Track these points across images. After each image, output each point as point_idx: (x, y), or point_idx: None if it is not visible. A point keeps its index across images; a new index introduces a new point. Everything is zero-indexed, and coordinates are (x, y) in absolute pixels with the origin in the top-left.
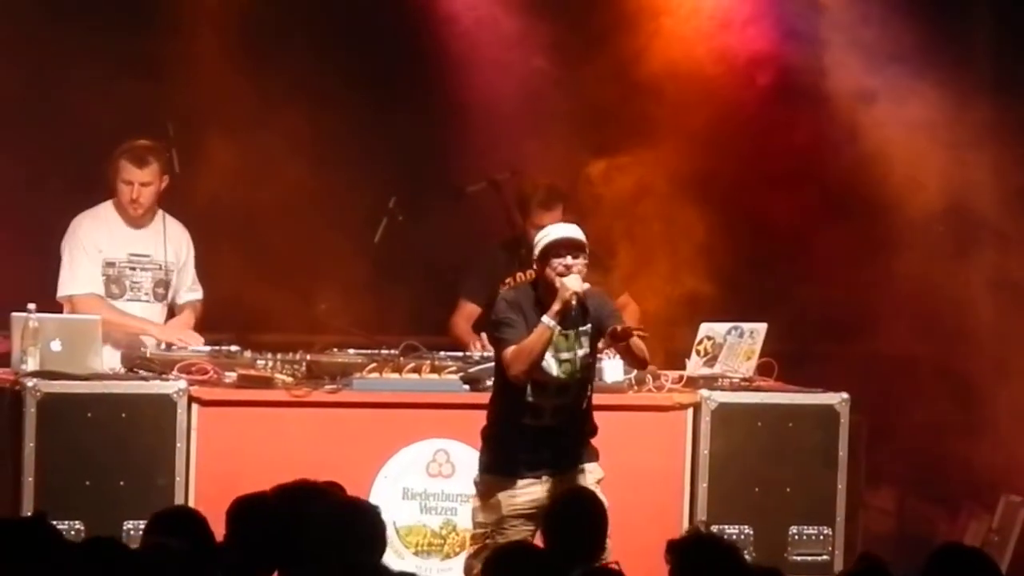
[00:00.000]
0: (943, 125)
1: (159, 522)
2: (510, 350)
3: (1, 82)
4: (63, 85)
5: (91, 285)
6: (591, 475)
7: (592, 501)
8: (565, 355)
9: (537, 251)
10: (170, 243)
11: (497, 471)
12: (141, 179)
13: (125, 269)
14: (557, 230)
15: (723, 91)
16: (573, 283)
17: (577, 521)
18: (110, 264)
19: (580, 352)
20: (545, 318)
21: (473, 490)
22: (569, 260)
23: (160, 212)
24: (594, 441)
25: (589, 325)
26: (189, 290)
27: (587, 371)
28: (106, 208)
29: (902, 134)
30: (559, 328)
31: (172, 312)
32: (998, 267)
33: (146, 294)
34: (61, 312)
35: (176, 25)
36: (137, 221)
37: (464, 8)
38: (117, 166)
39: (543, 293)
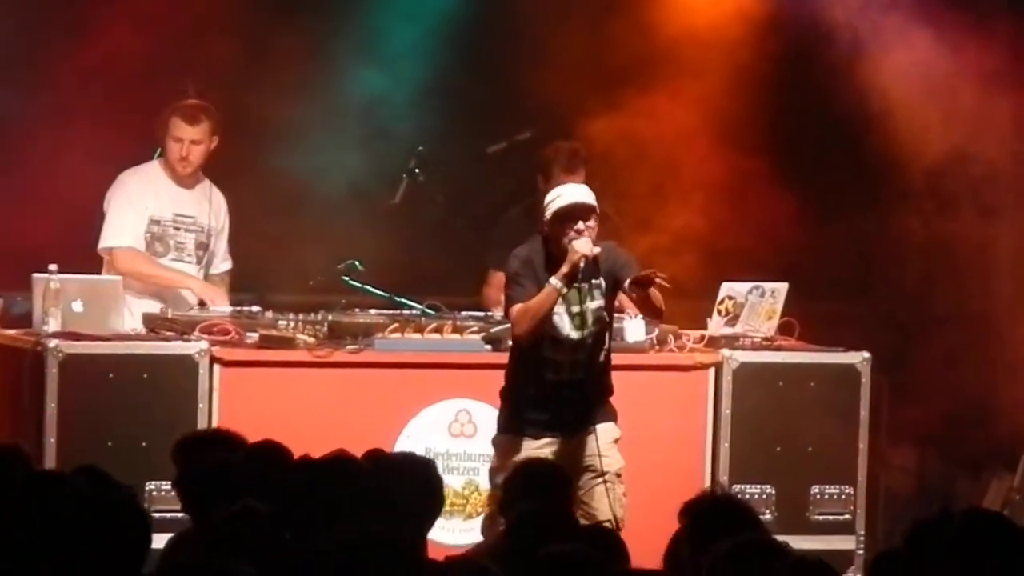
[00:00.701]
0: (965, 78)
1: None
2: (516, 308)
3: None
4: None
5: (133, 239)
6: (607, 435)
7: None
8: (576, 308)
9: (549, 213)
10: (214, 208)
11: (515, 431)
12: (192, 136)
13: (169, 228)
14: (569, 194)
15: (741, 52)
16: (583, 246)
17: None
18: (155, 222)
19: (592, 304)
20: (552, 279)
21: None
22: (580, 225)
23: (205, 179)
24: (616, 401)
25: (601, 279)
26: (222, 260)
27: (600, 324)
28: (152, 167)
29: (921, 87)
30: (565, 289)
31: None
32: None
33: (188, 255)
34: (99, 265)
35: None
36: (184, 181)
37: None
38: (167, 123)
39: (554, 249)
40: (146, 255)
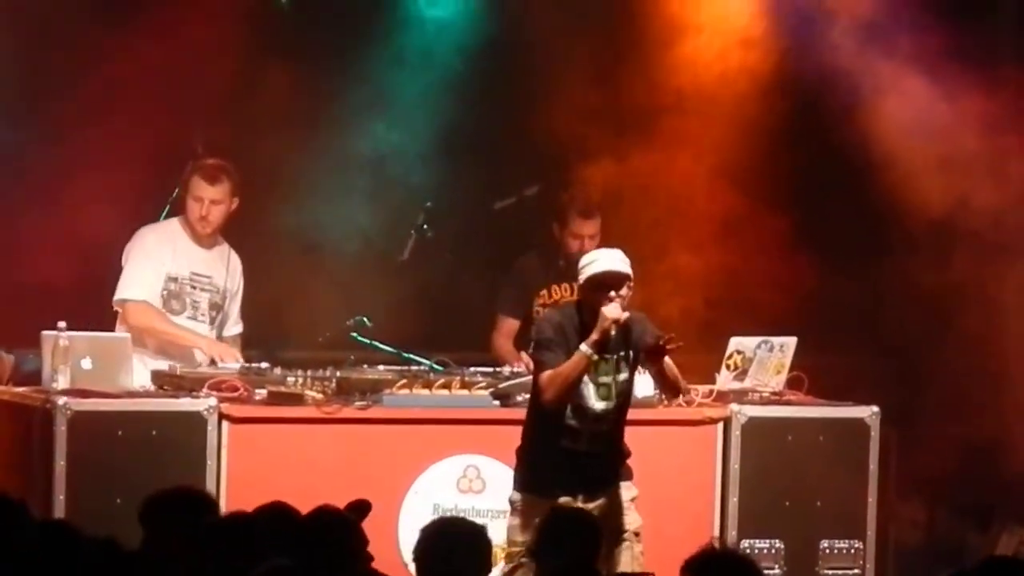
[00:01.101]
0: (981, 139)
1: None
2: (546, 374)
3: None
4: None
5: (148, 294)
6: (626, 492)
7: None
8: (604, 379)
9: (582, 278)
10: (230, 270)
11: (535, 490)
12: (212, 196)
13: (186, 286)
14: (603, 261)
15: (745, 105)
16: (612, 312)
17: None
18: (172, 279)
19: (619, 377)
20: (583, 346)
21: (507, 507)
22: (612, 294)
23: (224, 241)
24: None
25: (630, 351)
26: (235, 323)
27: (624, 397)
28: (172, 224)
29: (928, 140)
30: (595, 356)
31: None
32: None
33: (202, 314)
34: (114, 320)
35: (206, 47)
36: (202, 241)
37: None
38: (188, 182)
39: (587, 316)
40: (159, 311)
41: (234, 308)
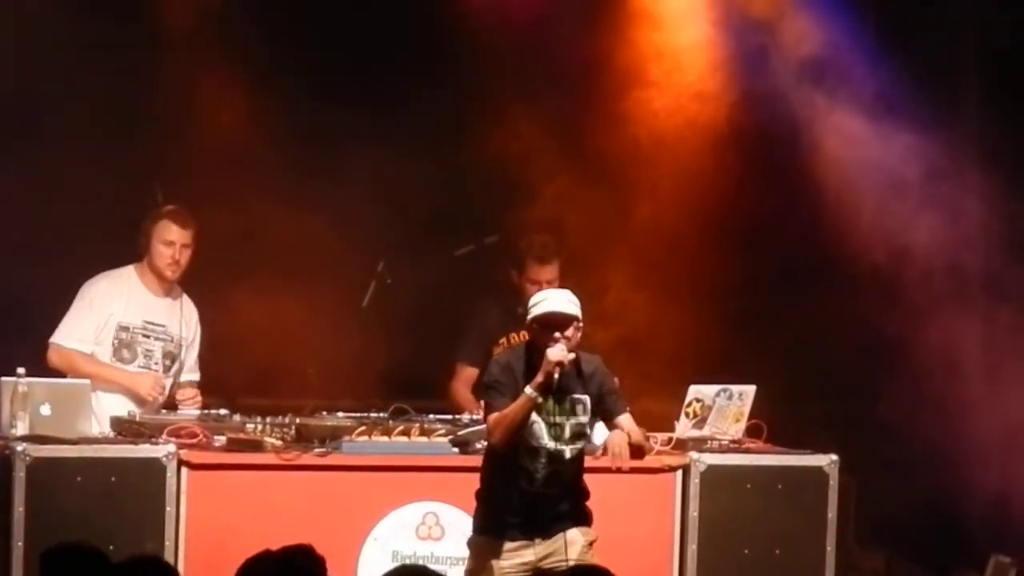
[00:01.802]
0: (929, 184)
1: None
2: (493, 417)
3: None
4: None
5: (81, 343)
6: (584, 536)
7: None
8: (557, 419)
9: (530, 317)
10: (184, 318)
11: (490, 533)
12: (184, 240)
13: (138, 335)
14: (552, 301)
15: (703, 158)
16: (556, 354)
17: None
18: (124, 328)
19: (573, 420)
20: (527, 389)
21: (466, 551)
22: (558, 335)
23: (178, 288)
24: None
25: (587, 396)
26: (190, 371)
27: (580, 439)
28: (127, 272)
29: (889, 195)
30: (540, 399)
31: (172, 391)
32: (989, 326)
33: (156, 363)
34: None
35: (165, 85)
36: (158, 289)
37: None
38: (155, 227)
39: (536, 357)
40: (86, 358)
41: (190, 356)
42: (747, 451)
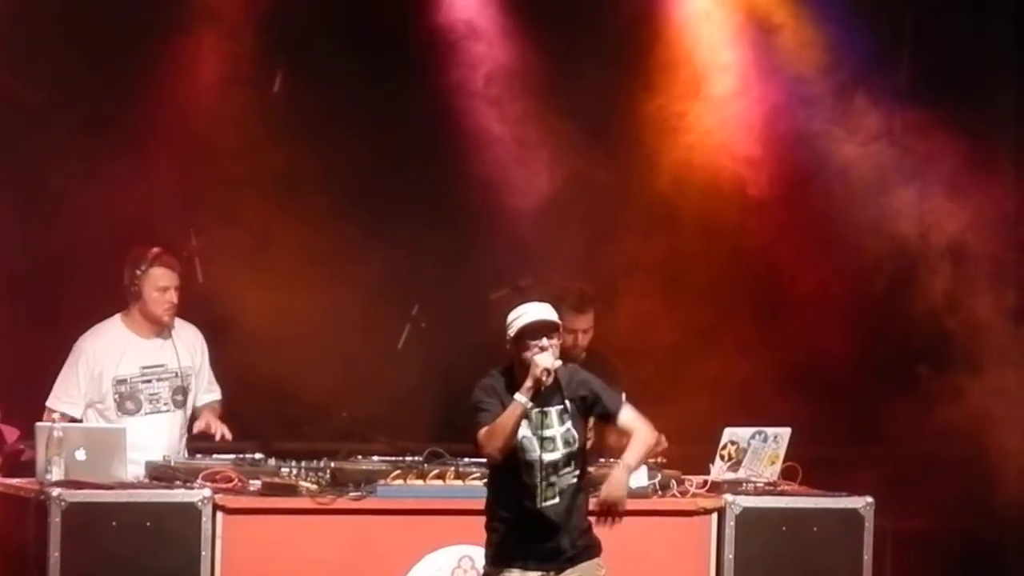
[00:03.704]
0: (963, 218)
1: None
2: (483, 431)
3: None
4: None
5: (71, 406)
6: (597, 570)
7: None
8: (547, 432)
9: (512, 332)
10: (184, 348)
11: (503, 563)
12: (176, 283)
13: (138, 383)
14: (532, 312)
15: (734, 200)
16: (545, 360)
17: None
18: (121, 381)
19: (563, 428)
20: (517, 395)
21: None
22: (544, 342)
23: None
24: (618, 546)
25: (568, 403)
26: (206, 391)
27: (571, 446)
28: (113, 324)
29: (921, 231)
30: (530, 404)
31: (193, 415)
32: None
33: (165, 404)
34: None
35: (196, 137)
36: (150, 331)
37: (486, 117)
38: (146, 277)
39: (518, 374)
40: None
41: (202, 380)
42: (782, 493)
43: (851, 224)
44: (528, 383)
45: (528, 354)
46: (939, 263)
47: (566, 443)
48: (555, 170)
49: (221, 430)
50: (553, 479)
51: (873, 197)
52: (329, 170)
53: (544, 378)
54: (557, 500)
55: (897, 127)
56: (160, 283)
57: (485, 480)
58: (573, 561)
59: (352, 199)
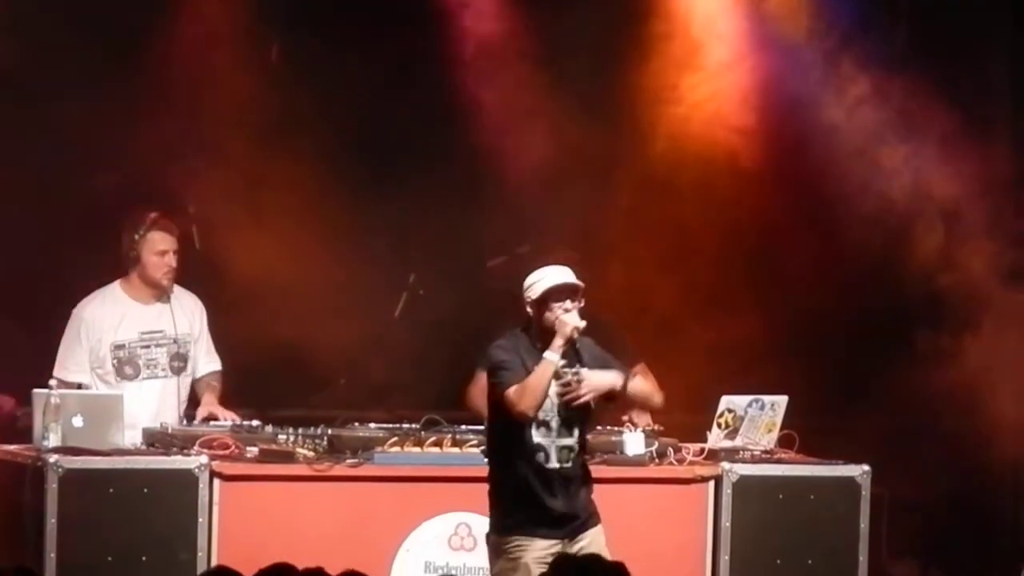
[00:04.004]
0: (958, 182)
1: None
2: (512, 389)
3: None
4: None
5: (79, 374)
6: (601, 537)
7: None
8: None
9: (534, 295)
10: (183, 315)
11: (511, 531)
12: (174, 246)
13: (136, 348)
14: (553, 275)
15: (729, 168)
16: (573, 319)
17: None
18: (119, 347)
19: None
20: (548, 353)
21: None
22: (568, 304)
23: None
24: (615, 513)
25: (584, 368)
26: (205, 362)
27: (583, 411)
28: (112, 290)
29: (923, 207)
30: (562, 362)
31: (194, 390)
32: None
33: (163, 370)
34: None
35: (197, 107)
36: (149, 296)
37: (485, 86)
38: (144, 241)
39: (537, 336)
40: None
41: (200, 349)
42: (779, 461)
43: (846, 190)
44: (558, 341)
45: (552, 315)
46: (934, 227)
47: (583, 405)
48: (551, 139)
49: (228, 417)
50: (568, 441)
51: (868, 163)
52: (324, 141)
53: (574, 336)
54: (570, 464)
55: (892, 93)
56: (158, 247)
57: (482, 448)
58: (582, 528)
59: (348, 169)
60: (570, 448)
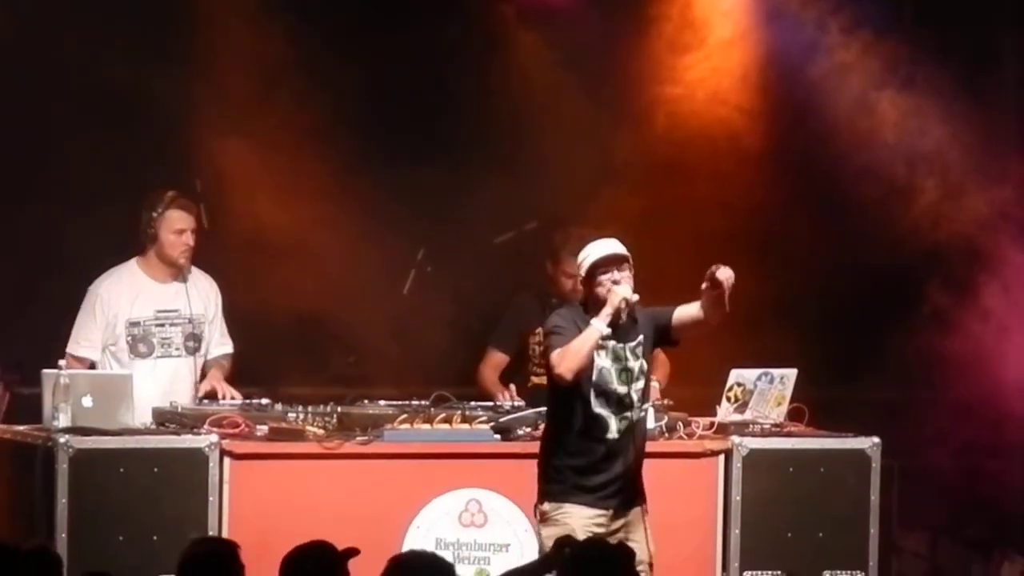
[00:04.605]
0: (968, 167)
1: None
2: (556, 352)
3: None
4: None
5: (91, 350)
6: (646, 517)
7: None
8: (626, 364)
9: (583, 270)
10: (198, 296)
11: (565, 499)
12: (192, 225)
13: (151, 327)
14: (600, 247)
15: (734, 142)
16: (623, 290)
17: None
18: (134, 324)
19: (638, 363)
20: (594, 320)
21: (510, 540)
22: (616, 274)
23: (188, 267)
24: None
25: (641, 336)
26: (218, 344)
27: (645, 380)
28: (129, 268)
29: (930, 174)
30: (607, 331)
31: (204, 369)
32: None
33: (177, 349)
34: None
35: (204, 76)
36: (164, 276)
37: (491, 67)
38: (162, 219)
39: (592, 310)
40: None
41: (214, 330)
42: (789, 435)
43: (849, 160)
44: (607, 310)
45: (601, 289)
46: (942, 196)
47: (641, 376)
48: (557, 115)
49: (229, 393)
50: (628, 413)
51: (873, 133)
52: (333, 117)
53: (622, 306)
54: (628, 437)
55: (899, 62)
56: (176, 225)
57: (492, 425)
58: (630, 504)
59: (355, 147)
60: (630, 421)
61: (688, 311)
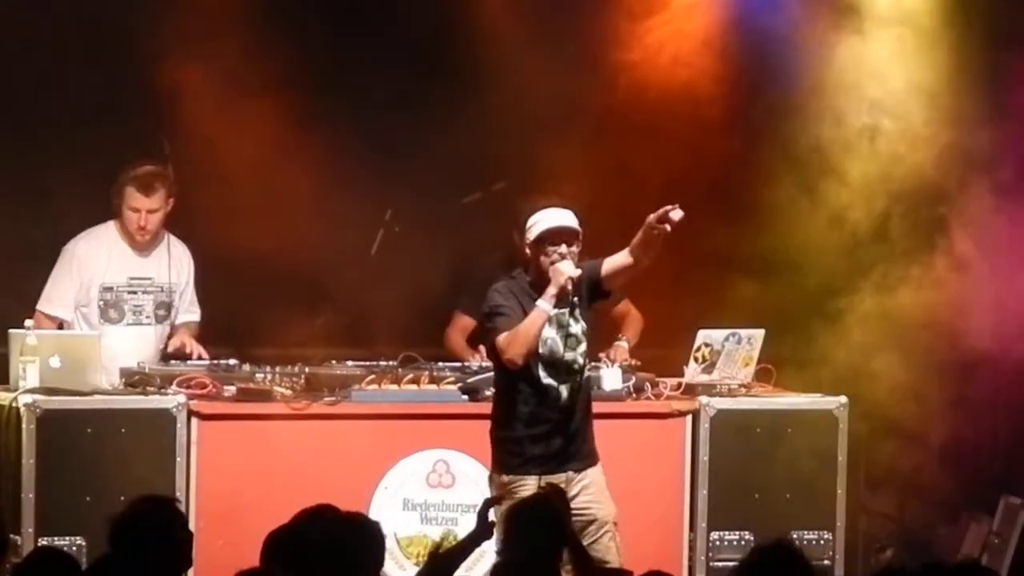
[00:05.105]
0: (933, 124)
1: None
2: (503, 336)
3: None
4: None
5: (63, 309)
6: (602, 478)
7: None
8: (568, 329)
9: (531, 236)
10: (173, 265)
11: (523, 470)
12: (148, 206)
13: (123, 293)
14: (551, 217)
15: (696, 104)
16: (567, 268)
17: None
18: (107, 289)
19: (579, 327)
20: (540, 302)
21: (477, 501)
22: (563, 249)
23: (164, 234)
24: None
25: (576, 298)
26: (186, 311)
27: (588, 343)
28: (107, 229)
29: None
30: (554, 312)
31: (170, 334)
32: (994, 266)
33: (147, 317)
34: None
35: (178, 36)
36: (140, 245)
37: (459, 30)
38: (123, 192)
39: (535, 277)
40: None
41: (184, 299)
42: (756, 395)
43: (815, 121)
44: (551, 290)
45: (547, 260)
46: (903, 149)
47: (585, 338)
48: (528, 75)
49: (197, 350)
50: (577, 378)
51: (835, 94)
52: (300, 75)
53: (568, 285)
54: (575, 400)
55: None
56: (131, 203)
57: (460, 386)
58: (584, 467)
59: (323, 105)
60: (577, 387)
61: (616, 260)
